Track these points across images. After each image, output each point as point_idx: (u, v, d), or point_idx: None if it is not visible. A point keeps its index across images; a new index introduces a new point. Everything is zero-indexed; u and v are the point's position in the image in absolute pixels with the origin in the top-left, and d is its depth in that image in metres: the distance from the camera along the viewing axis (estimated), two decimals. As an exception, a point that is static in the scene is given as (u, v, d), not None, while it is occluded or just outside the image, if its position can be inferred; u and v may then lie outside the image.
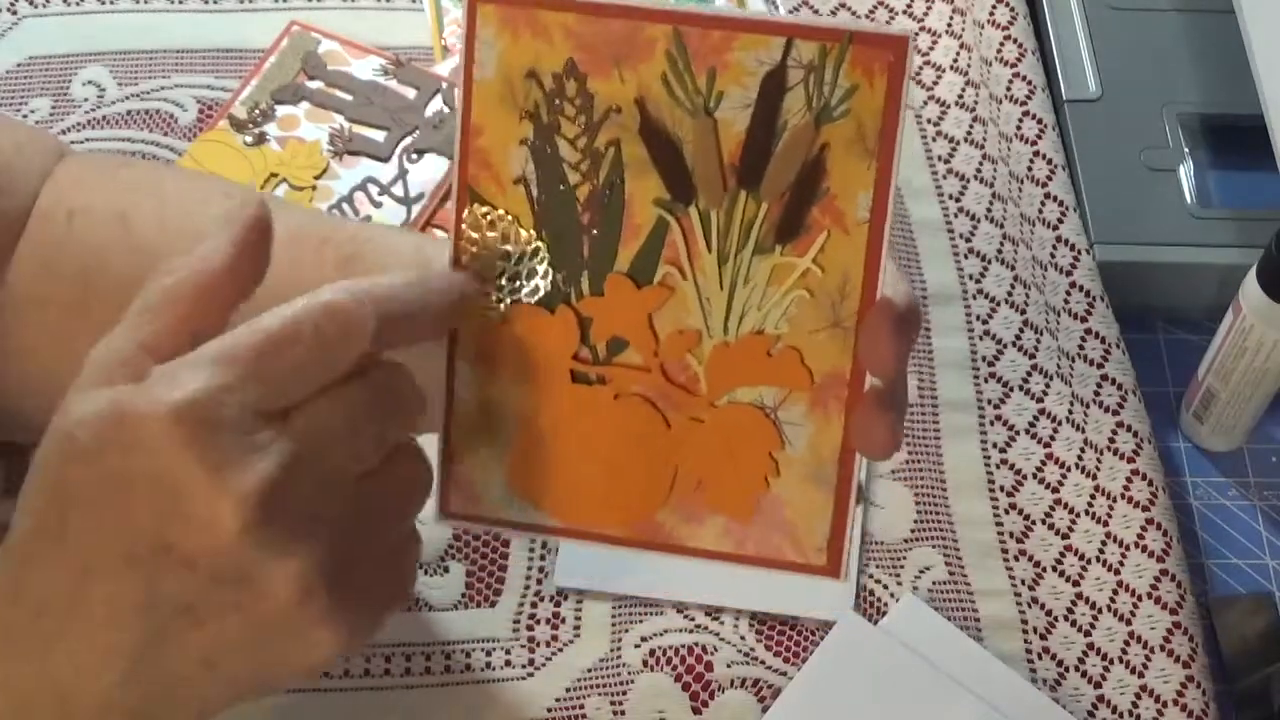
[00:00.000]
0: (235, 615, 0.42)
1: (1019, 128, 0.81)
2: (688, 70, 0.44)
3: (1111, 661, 0.65)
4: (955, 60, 0.86)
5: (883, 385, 0.46)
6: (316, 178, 0.78)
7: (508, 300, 0.47)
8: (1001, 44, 0.84)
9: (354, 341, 0.43)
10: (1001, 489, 0.71)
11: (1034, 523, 0.70)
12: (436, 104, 0.81)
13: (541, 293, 0.47)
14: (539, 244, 0.47)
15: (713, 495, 0.49)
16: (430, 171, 0.78)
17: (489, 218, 0.47)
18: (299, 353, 0.42)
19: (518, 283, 0.47)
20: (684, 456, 0.48)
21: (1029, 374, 0.74)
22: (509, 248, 0.47)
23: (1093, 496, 0.70)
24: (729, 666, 0.64)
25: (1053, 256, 0.76)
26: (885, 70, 0.43)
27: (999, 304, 0.77)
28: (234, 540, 0.41)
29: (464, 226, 0.47)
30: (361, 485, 0.44)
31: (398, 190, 0.78)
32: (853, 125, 0.44)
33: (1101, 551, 0.68)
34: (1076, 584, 0.68)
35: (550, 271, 0.47)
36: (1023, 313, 0.76)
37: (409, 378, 0.46)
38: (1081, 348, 0.73)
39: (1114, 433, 0.71)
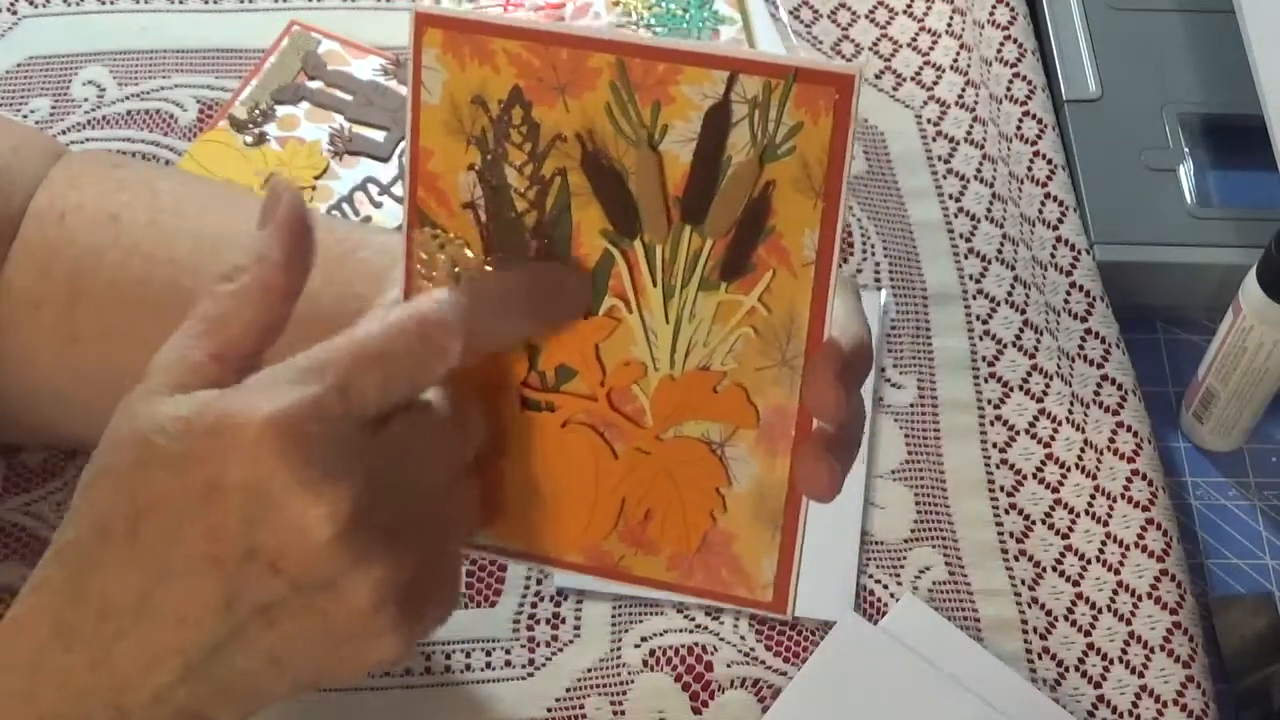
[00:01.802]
0: (311, 618, 0.43)
1: (1019, 128, 0.81)
2: (631, 102, 0.43)
3: (1111, 661, 0.65)
4: (955, 60, 0.86)
5: (829, 428, 0.46)
6: (316, 178, 0.78)
7: None
8: (1001, 44, 0.84)
9: (446, 357, 0.43)
10: (1001, 489, 0.71)
11: (1034, 523, 0.70)
12: (436, 104, 0.81)
13: None
14: (488, 269, 0.46)
15: (659, 526, 0.49)
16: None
17: (439, 240, 0.46)
18: (391, 367, 0.43)
19: None
20: (631, 486, 0.48)
21: (1029, 374, 0.74)
22: (458, 271, 0.46)
23: (1093, 496, 0.70)
24: (729, 666, 0.64)
25: (1053, 256, 0.76)
26: (830, 108, 0.42)
27: (999, 304, 0.77)
28: (322, 548, 0.41)
29: (414, 248, 0.47)
30: (432, 502, 0.45)
31: (398, 190, 0.78)
32: (798, 164, 0.43)
33: (1101, 551, 0.68)
34: (1076, 584, 0.68)
35: None
36: (1023, 313, 0.76)
37: (473, 406, 0.46)
38: (1081, 348, 0.73)
39: (1114, 433, 0.71)
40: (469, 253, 0.46)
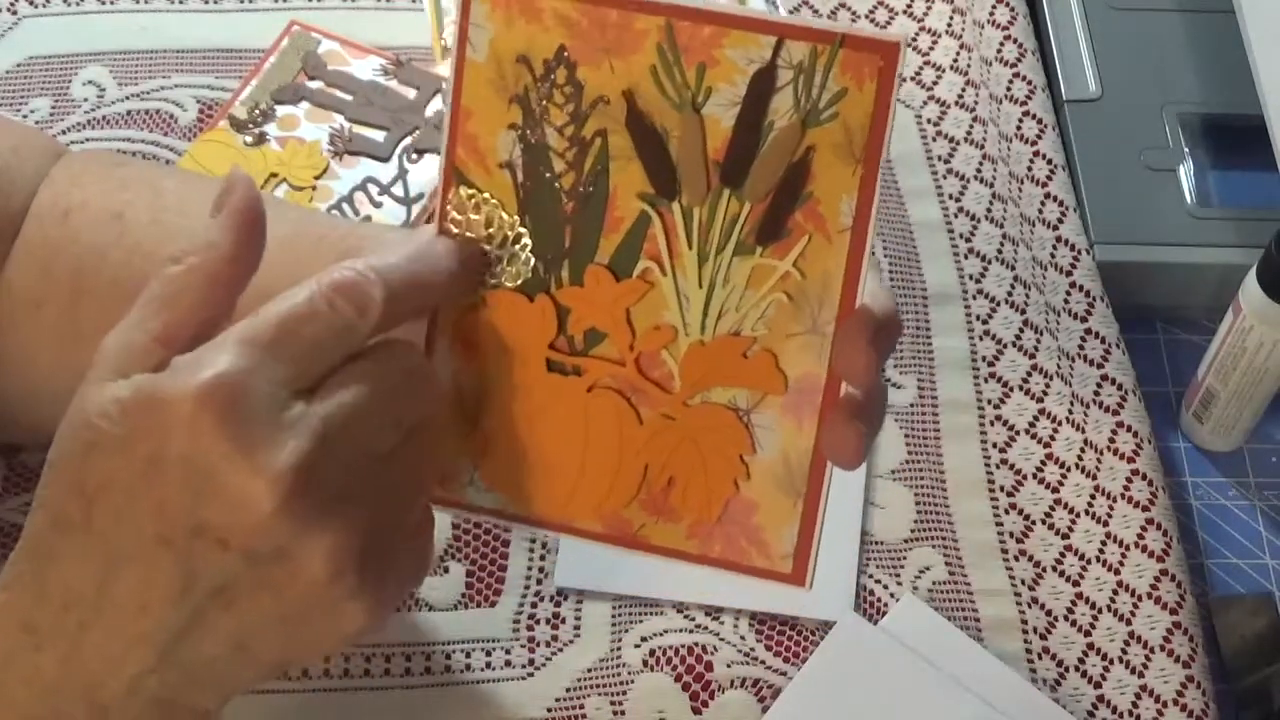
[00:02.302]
0: (268, 594, 0.43)
1: (1019, 128, 0.81)
2: (677, 64, 0.44)
3: (1111, 661, 0.65)
4: (955, 60, 0.86)
5: (857, 395, 0.46)
6: (316, 178, 0.78)
7: (488, 284, 0.47)
8: (1001, 44, 0.84)
9: (367, 313, 0.43)
10: (1001, 489, 0.71)
11: (1034, 523, 0.70)
12: (436, 104, 0.81)
13: (522, 279, 0.47)
14: (522, 230, 0.47)
15: (682, 494, 0.49)
16: (430, 171, 0.78)
17: (474, 200, 0.47)
18: (316, 328, 0.43)
19: (499, 267, 0.47)
20: (655, 453, 0.48)
21: (1029, 374, 0.74)
22: (491, 231, 0.47)
23: (1093, 496, 0.70)
24: (729, 666, 0.64)
25: (1053, 256, 0.76)
26: (875, 75, 0.42)
27: (999, 304, 0.77)
28: (268, 518, 0.41)
29: (449, 207, 0.47)
30: (384, 463, 0.44)
31: (398, 190, 0.78)
32: (840, 130, 0.43)
33: (1101, 551, 0.68)
34: (1076, 584, 0.68)
35: (532, 258, 0.47)
36: (1023, 313, 0.76)
37: (421, 357, 0.46)
38: (1081, 348, 0.73)
39: (1114, 433, 0.71)
40: (504, 214, 0.46)
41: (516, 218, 0.47)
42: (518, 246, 0.47)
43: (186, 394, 0.41)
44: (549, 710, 0.63)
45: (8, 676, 0.43)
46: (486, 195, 0.47)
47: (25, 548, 0.44)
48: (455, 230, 0.47)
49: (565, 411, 0.48)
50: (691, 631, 0.65)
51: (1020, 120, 0.81)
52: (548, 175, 0.46)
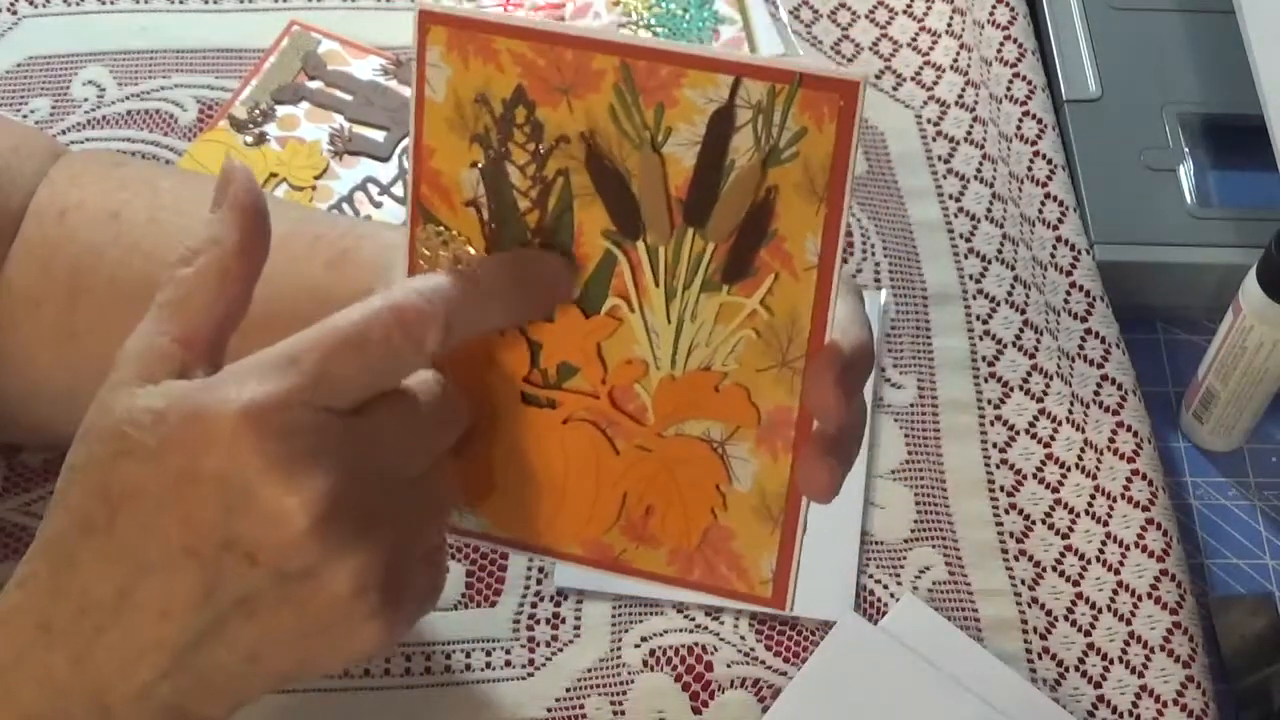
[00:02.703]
0: (289, 609, 0.43)
1: (1019, 128, 0.81)
2: (635, 104, 0.43)
3: (1111, 661, 0.65)
4: (955, 60, 0.86)
5: (829, 429, 0.46)
6: (316, 178, 0.78)
7: None
8: (1001, 44, 0.84)
9: (423, 349, 0.43)
10: (1001, 489, 0.71)
11: (1034, 523, 0.70)
12: (436, 104, 0.81)
13: None
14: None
15: (660, 522, 0.49)
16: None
17: (441, 237, 0.46)
18: (367, 356, 0.43)
19: None
20: (632, 483, 0.48)
21: (1029, 374, 0.74)
22: (461, 268, 0.46)
23: (1093, 496, 0.70)
24: (729, 666, 0.64)
25: (1053, 256, 0.76)
26: (835, 114, 0.42)
27: (999, 304, 0.77)
28: (300, 537, 0.41)
29: (418, 244, 0.47)
30: (411, 487, 0.45)
31: (398, 190, 0.78)
32: (800, 169, 0.43)
33: (1101, 551, 0.68)
34: (1076, 584, 0.68)
35: None
36: (1023, 313, 0.76)
37: (451, 387, 0.46)
38: (1081, 348, 0.73)
39: (1114, 433, 0.71)
40: (471, 249, 0.46)
41: (484, 255, 0.46)
42: None
43: (228, 410, 0.41)
44: (549, 710, 0.63)
45: (18, 675, 0.43)
46: (454, 232, 0.46)
47: (43, 548, 0.44)
48: (425, 267, 0.47)
49: (543, 442, 0.48)
50: (691, 631, 0.65)
51: (1020, 120, 0.81)
52: (513, 214, 0.46)
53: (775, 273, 0.44)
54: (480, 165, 0.45)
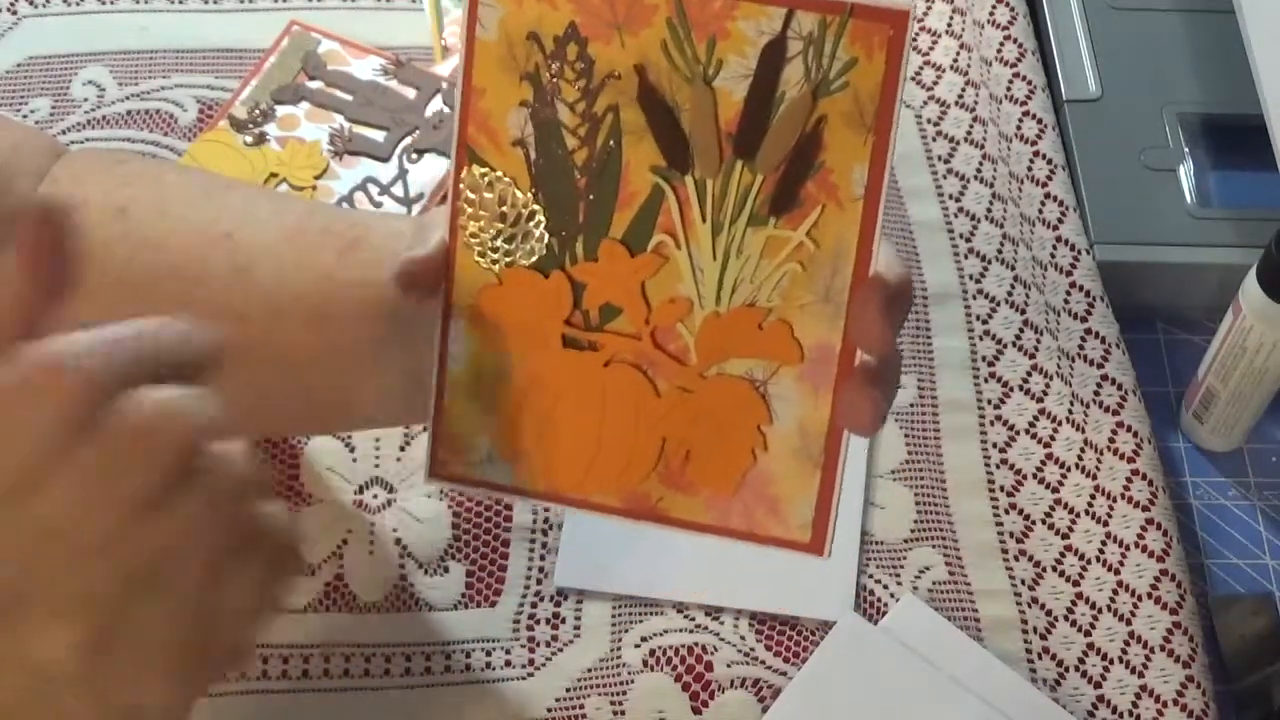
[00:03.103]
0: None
1: (1019, 128, 0.81)
2: (688, 38, 0.44)
3: (1111, 661, 0.65)
4: (955, 60, 0.86)
5: (872, 362, 0.46)
6: (316, 178, 0.78)
7: (503, 262, 0.47)
8: (1001, 44, 0.84)
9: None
10: (1001, 489, 0.71)
11: (1034, 523, 0.70)
12: (436, 104, 0.81)
13: (537, 255, 0.47)
14: (535, 207, 0.47)
15: (699, 467, 0.49)
16: (430, 171, 0.78)
17: (487, 179, 0.47)
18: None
19: (513, 245, 0.47)
20: (672, 426, 0.48)
21: (1029, 374, 0.74)
22: (505, 209, 0.47)
23: (1093, 496, 0.70)
24: (729, 666, 0.64)
25: (1053, 256, 0.76)
26: (884, 44, 0.43)
27: (999, 304, 0.77)
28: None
29: (462, 186, 0.47)
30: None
31: (398, 190, 0.78)
32: (850, 99, 0.44)
33: (1101, 551, 0.68)
34: (1076, 584, 0.68)
35: (546, 235, 0.47)
36: (1023, 313, 0.76)
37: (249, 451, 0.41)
38: (1081, 348, 0.73)
39: (1114, 433, 0.71)
40: (518, 192, 0.47)
41: (530, 195, 0.47)
42: (532, 224, 0.47)
43: None
44: (549, 710, 0.63)
45: None
46: (500, 173, 0.47)
47: None
48: (469, 209, 0.47)
49: (582, 387, 0.48)
50: (691, 631, 0.65)
51: (1020, 120, 0.81)
52: (560, 152, 0.46)
53: (822, 204, 0.45)
54: (529, 103, 0.46)
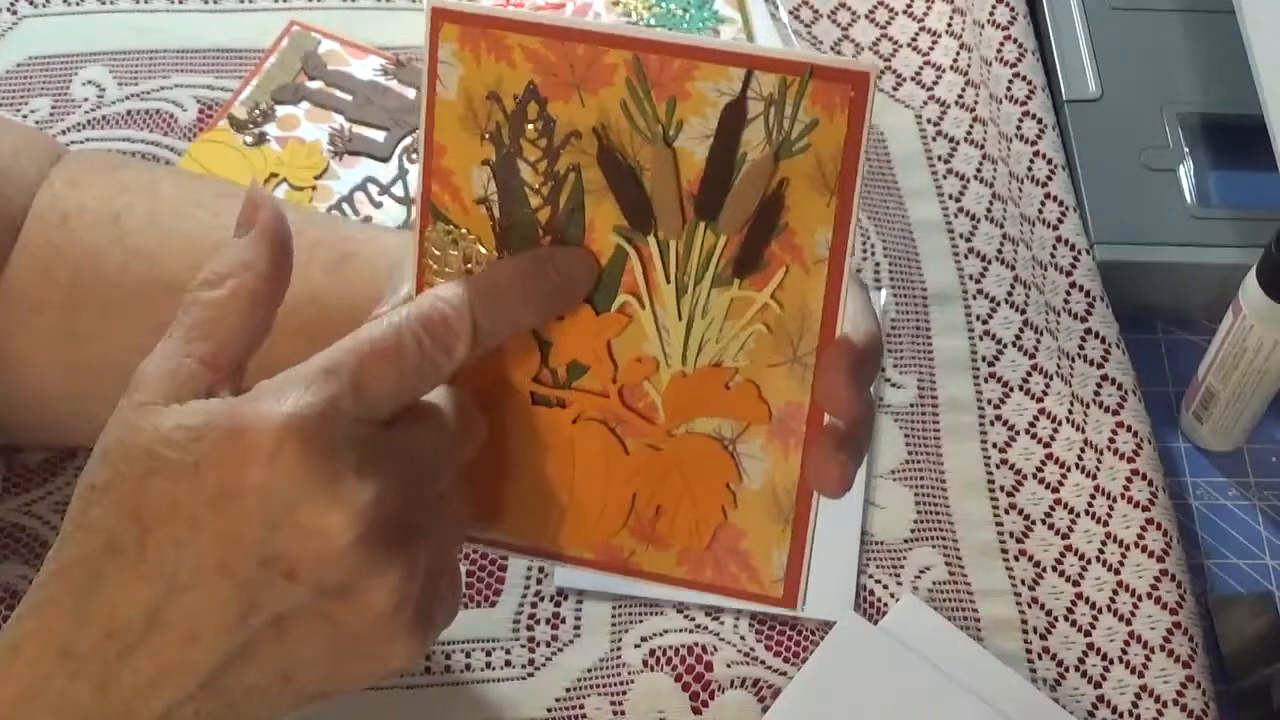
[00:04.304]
0: (324, 626, 0.42)
1: (1019, 128, 0.81)
2: (647, 98, 0.43)
3: (1111, 661, 0.65)
4: (955, 60, 0.86)
5: (840, 424, 0.46)
6: (316, 178, 0.78)
7: None
8: (1001, 44, 0.84)
9: (453, 355, 0.43)
10: (1001, 489, 0.71)
11: (1034, 523, 0.70)
12: (436, 104, 0.81)
13: None
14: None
15: (670, 522, 0.49)
16: (430, 171, 0.78)
17: (451, 236, 0.46)
18: (401, 366, 0.43)
19: None
20: (642, 482, 0.48)
21: (1029, 374, 0.74)
22: (470, 266, 0.46)
23: (1093, 496, 0.70)
24: (729, 666, 0.64)
25: (1053, 256, 0.76)
26: (846, 105, 0.42)
27: (999, 304, 0.77)
28: (343, 551, 0.41)
29: (427, 244, 0.47)
30: (440, 500, 0.45)
31: (398, 190, 0.78)
32: (812, 160, 0.43)
33: (1101, 551, 0.68)
34: (1076, 584, 0.68)
35: None
36: (1023, 313, 0.76)
37: (469, 401, 0.46)
38: (1081, 348, 0.73)
39: (1114, 433, 0.71)
40: (481, 249, 0.46)
41: (494, 253, 0.46)
42: None
43: (271, 425, 0.40)
44: (549, 710, 0.63)
45: (36, 705, 0.42)
46: (464, 231, 0.46)
47: (61, 571, 0.42)
48: (434, 266, 0.47)
49: (552, 443, 0.48)
50: (691, 631, 0.65)
51: (1020, 120, 0.81)
52: (524, 211, 0.46)
53: (786, 266, 0.44)
54: (491, 162, 0.45)
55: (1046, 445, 0.72)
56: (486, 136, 0.45)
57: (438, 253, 0.47)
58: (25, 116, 0.79)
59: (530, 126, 0.44)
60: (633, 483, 0.48)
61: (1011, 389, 0.74)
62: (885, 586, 0.67)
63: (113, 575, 0.42)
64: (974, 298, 0.77)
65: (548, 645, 0.65)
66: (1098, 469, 0.70)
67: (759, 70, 0.42)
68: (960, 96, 0.85)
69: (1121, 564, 0.68)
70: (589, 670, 0.64)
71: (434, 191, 0.46)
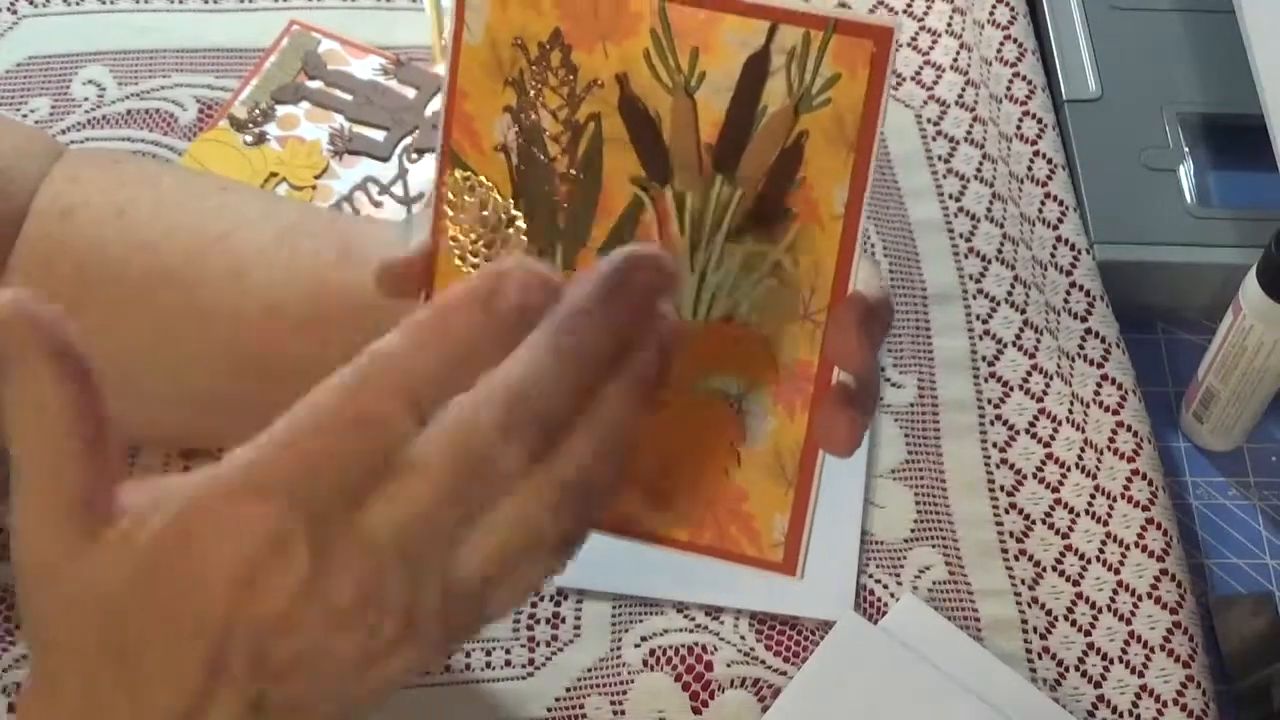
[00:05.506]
0: (340, 660, 0.39)
1: (1019, 128, 0.81)
2: (671, 48, 0.43)
3: (1111, 661, 0.65)
4: (955, 60, 0.86)
5: (850, 382, 0.46)
6: (316, 177, 0.78)
7: (482, 268, 0.47)
8: (1001, 44, 0.84)
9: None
10: (1001, 489, 0.71)
11: (1034, 523, 0.70)
12: (436, 103, 0.81)
13: None
14: (516, 213, 0.46)
15: (673, 481, 0.48)
16: (430, 171, 0.78)
17: (469, 182, 0.47)
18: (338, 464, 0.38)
19: (494, 250, 0.47)
20: (647, 439, 0.48)
21: (1029, 374, 0.74)
22: (487, 214, 0.47)
23: (1093, 496, 0.70)
24: (729, 666, 0.64)
25: (1053, 256, 0.76)
26: (868, 61, 0.42)
27: (999, 304, 0.77)
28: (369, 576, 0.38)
29: (444, 190, 0.47)
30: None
31: (398, 190, 0.78)
32: (832, 115, 0.43)
33: (1101, 551, 0.68)
34: (1076, 584, 0.68)
35: (525, 241, 0.47)
36: (1023, 313, 0.76)
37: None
38: (1081, 348, 0.73)
39: (1114, 433, 0.71)
40: (498, 196, 0.46)
41: (511, 201, 0.46)
42: (511, 230, 0.47)
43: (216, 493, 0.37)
44: (549, 710, 0.63)
45: None
46: (482, 178, 0.46)
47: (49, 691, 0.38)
48: (451, 213, 0.47)
49: None
50: (691, 631, 0.65)
51: (1020, 120, 0.81)
52: (542, 159, 0.46)
53: (801, 221, 0.45)
54: (513, 109, 0.46)
55: (1046, 445, 0.72)
56: (509, 83, 0.45)
57: (455, 199, 0.47)
58: (25, 116, 0.79)
59: (553, 74, 0.45)
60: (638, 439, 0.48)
61: (1011, 389, 0.74)
62: (885, 586, 0.67)
63: (101, 695, 0.38)
64: (974, 297, 0.77)
65: (548, 645, 0.65)
66: (1098, 469, 0.70)
67: (783, 23, 0.42)
68: (960, 96, 0.85)
69: (1121, 564, 0.68)
70: (589, 670, 0.64)
71: (454, 137, 0.46)
